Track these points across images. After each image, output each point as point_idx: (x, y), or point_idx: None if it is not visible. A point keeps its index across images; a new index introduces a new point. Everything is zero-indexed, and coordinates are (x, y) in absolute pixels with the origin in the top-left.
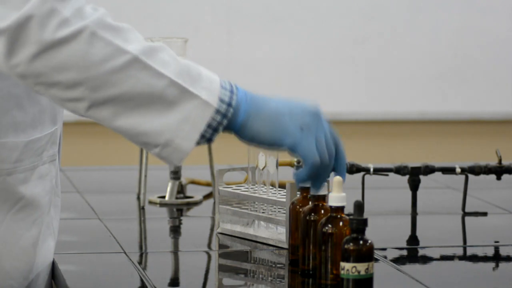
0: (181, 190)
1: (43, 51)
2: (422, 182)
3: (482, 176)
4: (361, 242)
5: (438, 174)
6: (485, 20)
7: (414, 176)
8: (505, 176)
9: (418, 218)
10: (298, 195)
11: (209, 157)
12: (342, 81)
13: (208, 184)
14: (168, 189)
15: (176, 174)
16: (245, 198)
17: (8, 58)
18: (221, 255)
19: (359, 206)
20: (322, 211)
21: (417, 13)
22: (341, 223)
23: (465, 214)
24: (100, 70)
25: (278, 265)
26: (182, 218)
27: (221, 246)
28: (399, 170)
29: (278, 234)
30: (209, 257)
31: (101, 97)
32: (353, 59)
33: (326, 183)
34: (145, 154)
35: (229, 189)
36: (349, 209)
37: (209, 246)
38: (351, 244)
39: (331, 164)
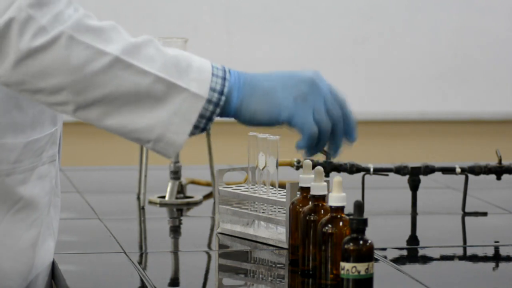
0: (181, 190)
1: (21, 60)
2: (422, 182)
3: (482, 176)
4: (361, 242)
5: (438, 174)
6: (485, 20)
7: (414, 176)
8: (505, 176)
9: (418, 218)
10: (298, 195)
11: (209, 157)
12: (341, 81)
13: (208, 184)
14: (168, 189)
15: (176, 174)
16: (245, 198)
17: None
18: (221, 255)
19: (359, 206)
20: (322, 211)
21: (417, 13)
22: (341, 223)
23: (465, 214)
24: (81, 74)
25: (278, 265)
26: (182, 218)
27: (221, 246)
28: (399, 170)
29: (278, 234)
30: (209, 257)
31: (86, 100)
32: (353, 59)
33: (338, 148)
34: (145, 154)
35: (229, 189)
36: (349, 209)
37: (209, 246)
38: (351, 244)
39: (340, 127)
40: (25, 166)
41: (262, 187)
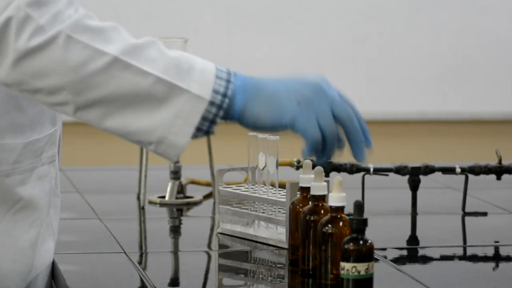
0: (181, 190)
1: (19, 59)
2: (422, 182)
3: (482, 176)
4: (361, 242)
5: (438, 174)
6: (485, 20)
7: (414, 176)
8: (505, 176)
9: (418, 218)
10: (298, 195)
11: (209, 157)
12: (342, 81)
13: (208, 184)
14: (168, 189)
15: (176, 174)
16: (245, 198)
17: None
18: (221, 255)
19: (359, 206)
20: (322, 211)
21: (417, 13)
22: (341, 223)
23: (465, 214)
24: (79, 74)
25: (278, 265)
26: (182, 218)
27: (221, 246)
28: (399, 170)
29: (278, 234)
30: (209, 257)
31: (86, 100)
32: (353, 59)
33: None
34: (145, 154)
35: (229, 189)
36: (349, 209)
37: (209, 246)
38: (351, 244)
39: (355, 127)
40: (25, 167)
41: (262, 187)
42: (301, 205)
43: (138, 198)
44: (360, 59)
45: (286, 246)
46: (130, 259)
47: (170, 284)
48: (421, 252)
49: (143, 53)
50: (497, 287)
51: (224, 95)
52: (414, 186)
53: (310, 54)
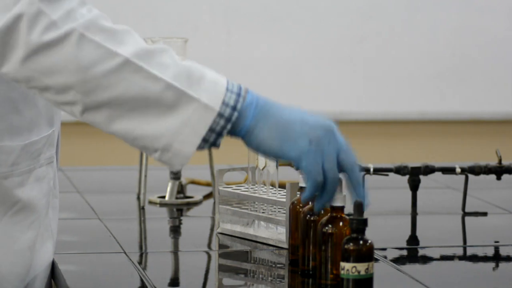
0: (181, 190)
1: (31, 54)
2: (422, 182)
3: (482, 176)
4: (361, 242)
5: (438, 174)
6: (484, 20)
7: (414, 176)
8: (505, 176)
9: (418, 218)
10: (298, 195)
11: (209, 157)
12: (340, 80)
13: (208, 184)
14: (168, 189)
15: (176, 174)
16: (245, 198)
17: (1, 63)
18: (221, 255)
19: (359, 206)
20: (322, 211)
21: (415, 13)
22: (341, 223)
23: (465, 214)
24: (90, 74)
25: (278, 265)
26: (182, 218)
27: (221, 246)
28: (399, 170)
29: (278, 234)
30: (209, 257)
31: (94, 101)
32: (352, 58)
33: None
34: (145, 154)
35: (229, 189)
36: (349, 209)
37: (209, 246)
38: (351, 244)
39: (357, 179)
40: (23, 169)
41: (262, 187)
42: (301, 205)
43: (138, 198)
44: (359, 59)
45: (286, 246)
46: (130, 259)
47: (170, 284)
48: (421, 252)
49: (155, 58)
50: (497, 287)
51: (234, 108)
52: (414, 186)
53: (308, 54)
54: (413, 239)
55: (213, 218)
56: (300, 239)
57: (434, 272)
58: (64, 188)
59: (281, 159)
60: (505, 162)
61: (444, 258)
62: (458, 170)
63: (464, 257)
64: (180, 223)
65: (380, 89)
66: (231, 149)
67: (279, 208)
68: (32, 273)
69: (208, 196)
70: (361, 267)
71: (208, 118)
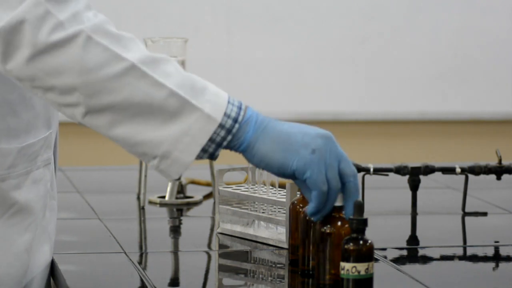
0: (181, 190)
1: (37, 54)
2: (422, 182)
3: (482, 176)
4: (361, 242)
5: (438, 174)
6: (485, 20)
7: (414, 176)
8: (505, 176)
9: (418, 218)
10: (298, 195)
11: None
12: (342, 81)
13: (208, 184)
14: (168, 189)
15: None
16: (245, 198)
17: (4, 61)
18: (221, 255)
19: (359, 206)
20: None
21: (417, 13)
22: (339, 223)
23: (465, 214)
24: (95, 76)
25: (278, 265)
26: (182, 218)
27: (221, 246)
28: (399, 170)
29: (278, 234)
30: (209, 257)
31: (98, 104)
32: (353, 59)
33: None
34: None
35: (229, 189)
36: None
37: (209, 246)
38: (351, 244)
39: (356, 188)
40: (20, 171)
41: (262, 187)
42: (301, 205)
43: (138, 198)
44: (360, 59)
45: (286, 246)
46: (130, 259)
47: (170, 284)
48: (421, 252)
49: (159, 66)
50: (497, 287)
51: (235, 121)
52: (414, 186)
53: (310, 54)
54: (413, 239)
55: (213, 218)
56: (300, 239)
57: (434, 272)
58: (64, 188)
59: (284, 171)
60: (505, 162)
61: (444, 258)
62: (458, 170)
63: (464, 257)
64: (180, 223)
65: (382, 89)
66: None
67: (279, 208)
68: (29, 275)
69: (208, 196)
70: (361, 267)
71: (209, 129)
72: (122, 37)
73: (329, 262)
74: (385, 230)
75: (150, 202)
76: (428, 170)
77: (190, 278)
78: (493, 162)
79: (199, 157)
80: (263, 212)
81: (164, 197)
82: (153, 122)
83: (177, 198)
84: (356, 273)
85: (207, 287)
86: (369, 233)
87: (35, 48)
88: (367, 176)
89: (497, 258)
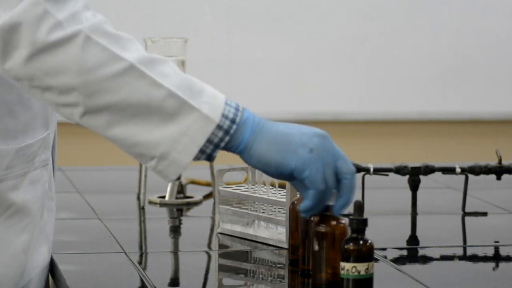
0: (181, 190)
1: (36, 53)
2: (422, 182)
3: (482, 176)
4: (361, 242)
5: (438, 174)
6: (485, 20)
7: (414, 176)
8: (505, 176)
9: (418, 218)
10: (298, 195)
11: None
12: (342, 81)
13: (208, 184)
14: (168, 189)
15: None
16: (245, 198)
17: (2, 61)
18: (221, 255)
19: (359, 206)
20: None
21: (417, 13)
22: (334, 222)
23: (465, 214)
24: (94, 76)
25: (278, 265)
26: (182, 218)
27: (221, 246)
28: (399, 170)
29: (278, 234)
30: (209, 257)
31: (96, 104)
32: (353, 59)
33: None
34: None
35: (229, 189)
36: (349, 209)
37: (209, 246)
38: (351, 244)
39: (353, 187)
40: (17, 172)
41: (262, 187)
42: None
43: (138, 198)
44: (360, 59)
45: (286, 246)
46: (130, 259)
47: (170, 284)
48: (421, 252)
49: (158, 66)
50: (497, 287)
51: (233, 122)
52: (414, 186)
53: (310, 54)
54: (413, 239)
55: (213, 218)
56: (300, 239)
57: (434, 272)
58: (64, 188)
59: (282, 171)
60: (505, 162)
61: (444, 258)
62: (458, 170)
63: (464, 257)
64: (180, 223)
65: (382, 89)
66: None
67: (279, 208)
68: (26, 277)
69: (208, 196)
70: (361, 267)
71: (208, 129)
72: (120, 37)
73: (325, 261)
74: (385, 230)
75: (150, 202)
76: (428, 170)
77: (190, 278)
78: (493, 162)
79: (196, 158)
80: (263, 212)
81: (164, 197)
82: (151, 122)
83: (177, 198)
84: (356, 273)
85: (207, 287)
86: (369, 233)
87: (33, 47)
88: (367, 176)
89: (497, 258)
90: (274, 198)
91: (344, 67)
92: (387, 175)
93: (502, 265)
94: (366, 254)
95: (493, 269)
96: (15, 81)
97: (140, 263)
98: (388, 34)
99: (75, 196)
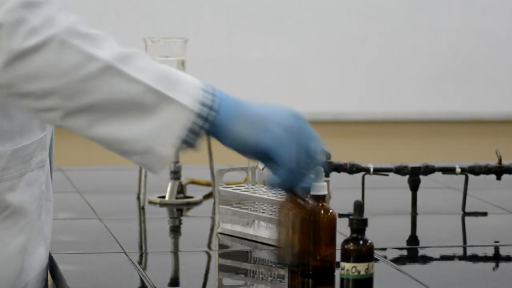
0: (181, 190)
1: (12, 60)
2: (422, 182)
3: (482, 176)
4: (361, 242)
5: (438, 174)
6: (485, 20)
7: (414, 176)
8: (505, 176)
9: (418, 218)
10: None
11: (209, 157)
12: (342, 81)
13: (208, 184)
14: (168, 189)
15: (176, 174)
16: (245, 198)
17: None
18: (221, 255)
19: (359, 206)
20: (322, 211)
21: (417, 14)
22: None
23: (465, 214)
24: (72, 78)
25: (278, 265)
26: (182, 218)
27: (221, 246)
28: (399, 170)
29: None
30: (209, 257)
31: (76, 106)
32: (353, 59)
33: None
34: None
35: (229, 189)
36: (349, 209)
37: (209, 246)
38: (351, 244)
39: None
40: (13, 173)
41: (262, 187)
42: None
43: (138, 198)
44: (360, 59)
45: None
46: (130, 259)
47: (170, 284)
48: (421, 252)
49: (133, 62)
50: (497, 287)
51: (211, 108)
52: (414, 186)
53: (310, 54)
54: (413, 239)
55: (213, 218)
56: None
57: (434, 272)
58: (64, 188)
59: (258, 150)
60: (505, 162)
61: (444, 258)
62: (458, 170)
63: (464, 257)
64: (180, 223)
65: (382, 89)
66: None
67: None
68: (24, 279)
69: (208, 196)
70: (361, 267)
71: (187, 119)
72: (94, 37)
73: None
74: (385, 230)
75: (150, 202)
76: (428, 170)
77: (190, 278)
78: (493, 162)
79: (180, 149)
80: (263, 212)
81: (164, 197)
82: (131, 118)
83: (177, 198)
84: (356, 273)
85: (207, 287)
86: (369, 233)
87: (10, 54)
88: (367, 176)
89: (497, 258)
90: (274, 198)
91: (344, 67)
92: (387, 175)
93: (502, 265)
94: (366, 254)
95: (493, 269)
96: None
97: (140, 263)
98: (388, 34)
99: (75, 196)
